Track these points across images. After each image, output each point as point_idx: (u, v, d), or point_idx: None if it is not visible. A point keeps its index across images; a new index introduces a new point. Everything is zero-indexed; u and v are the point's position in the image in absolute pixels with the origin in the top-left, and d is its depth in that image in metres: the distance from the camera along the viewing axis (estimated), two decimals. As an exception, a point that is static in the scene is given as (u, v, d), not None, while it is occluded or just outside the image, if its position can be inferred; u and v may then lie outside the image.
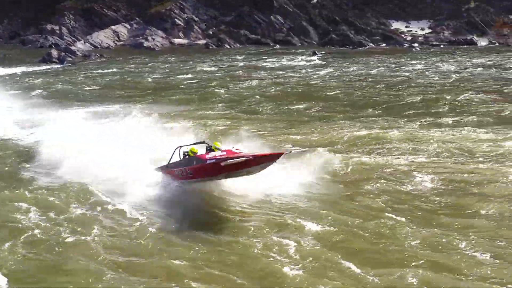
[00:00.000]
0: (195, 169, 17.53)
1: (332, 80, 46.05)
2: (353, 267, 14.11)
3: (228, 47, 78.04)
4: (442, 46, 77.05)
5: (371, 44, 78.14)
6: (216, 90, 42.04)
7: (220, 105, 36.11)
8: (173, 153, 18.94)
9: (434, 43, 78.72)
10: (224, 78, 48.15)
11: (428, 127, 28.40)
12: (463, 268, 13.93)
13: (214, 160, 16.95)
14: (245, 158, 16.25)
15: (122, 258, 14.85)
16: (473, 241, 15.20)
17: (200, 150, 18.51)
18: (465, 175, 20.17)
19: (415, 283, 13.33)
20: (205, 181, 18.07)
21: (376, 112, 32.68)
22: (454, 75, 47.17)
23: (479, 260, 14.29)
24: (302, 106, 35.03)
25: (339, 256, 14.63)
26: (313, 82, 45.40)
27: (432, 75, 47.49)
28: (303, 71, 52.67)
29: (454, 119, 30.48)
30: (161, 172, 19.56)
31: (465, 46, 75.76)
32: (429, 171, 20.61)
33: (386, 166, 21.16)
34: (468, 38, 78.60)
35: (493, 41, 78.46)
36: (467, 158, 22.51)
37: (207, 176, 17.54)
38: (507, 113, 31.37)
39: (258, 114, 33.01)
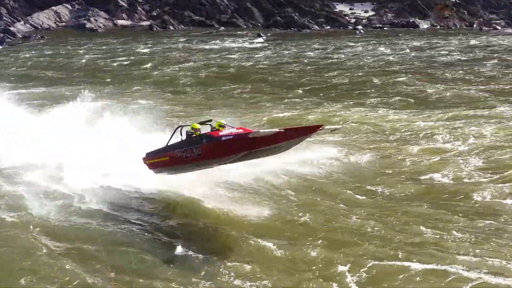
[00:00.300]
0: (206, 148, 15.27)
1: (268, 62, 46.30)
2: (255, 241, 14.45)
3: (172, 28, 77.30)
4: (385, 28, 77.93)
5: (316, 26, 78.45)
6: (150, 71, 42.05)
7: (149, 86, 36.13)
8: (173, 133, 16.87)
9: (378, 25, 79.53)
10: (161, 60, 47.88)
11: (349, 108, 29.02)
12: (353, 242, 14.35)
13: (232, 136, 14.68)
14: (277, 130, 13.82)
15: (51, 242, 14.55)
16: (362, 216, 15.67)
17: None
18: (367, 152, 20.78)
19: (314, 254, 13.72)
20: (212, 164, 16.00)
21: (303, 94, 33.16)
22: (389, 58, 47.98)
23: (369, 234, 14.68)
24: (231, 88, 35.28)
25: (244, 233, 14.93)
26: (249, 64, 45.60)
27: (368, 58, 48.14)
28: (242, 53, 52.73)
29: (377, 99, 31.23)
30: (151, 159, 17.39)
31: (407, 28, 76.77)
32: (332, 149, 21.09)
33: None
34: (411, 20, 79.67)
35: (435, 24, 79.72)
36: (376, 136, 23.27)
37: (220, 157, 15.20)
38: (428, 93, 32.33)
39: (184, 95, 33.26)
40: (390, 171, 18.82)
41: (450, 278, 12.41)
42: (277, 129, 13.84)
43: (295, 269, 13.16)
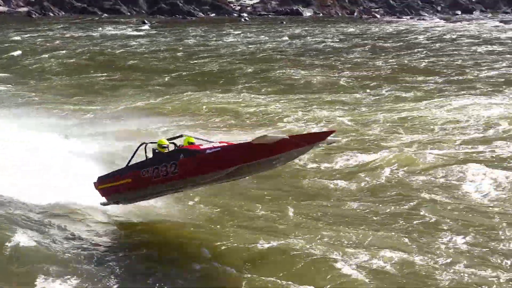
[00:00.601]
0: (185, 164, 12.82)
1: (143, 50, 45.82)
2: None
3: (53, 15, 74.86)
4: (270, 16, 79.05)
5: (201, 13, 78.43)
6: (17, 59, 40.60)
7: (12, 74, 34.77)
8: (135, 152, 14.19)
9: (262, 13, 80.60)
10: (32, 48, 45.95)
11: (213, 94, 29.24)
12: (197, 225, 14.46)
13: (219, 148, 12.52)
14: (283, 136, 11.48)
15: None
16: (200, 200, 15.88)
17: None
18: (216, 134, 21.05)
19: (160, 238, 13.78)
20: (188, 184, 13.53)
21: (170, 81, 33.24)
22: (266, 45, 48.73)
23: (210, 219, 14.81)
24: (99, 75, 34.75)
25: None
26: (123, 51, 44.94)
27: (245, 45, 48.69)
28: (120, 41, 51.79)
29: (243, 86, 31.77)
30: (105, 182, 14.58)
31: (291, 16, 78.23)
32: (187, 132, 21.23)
33: (145, 134, 21.45)
34: (294, 8, 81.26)
35: (317, 12, 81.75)
36: (232, 120, 23.86)
37: (203, 173, 12.81)
38: (294, 79, 33.31)
39: (47, 82, 32.53)
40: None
41: (293, 254, 12.68)
42: (283, 135, 11.53)
43: (140, 250, 13.13)
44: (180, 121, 23.64)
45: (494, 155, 18.64)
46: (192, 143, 13.30)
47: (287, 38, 54.01)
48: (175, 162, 12.94)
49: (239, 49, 45.79)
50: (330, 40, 52.01)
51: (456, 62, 38.16)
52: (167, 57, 41.40)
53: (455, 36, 53.88)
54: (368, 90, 29.99)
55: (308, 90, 30.41)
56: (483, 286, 11.24)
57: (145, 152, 13.83)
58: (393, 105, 26.39)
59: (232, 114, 24.83)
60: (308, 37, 54.28)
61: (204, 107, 26.15)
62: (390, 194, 16.09)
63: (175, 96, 28.57)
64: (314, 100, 27.63)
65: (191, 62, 39.32)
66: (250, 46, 47.92)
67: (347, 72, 35.52)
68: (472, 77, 33.11)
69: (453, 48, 45.60)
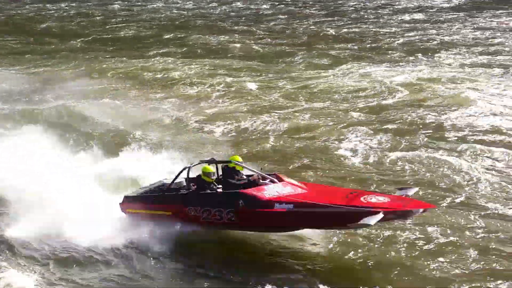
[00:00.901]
0: (246, 215, 11.08)
1: (60, 14, 44.77)
2: None
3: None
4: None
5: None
6: None
7: None
8: (177, 175, 12.31)
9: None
10: None
11: (122, 61, 29.24)
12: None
13: (292, 206, 10.59)
14: (381, 214, 9.89)
15: None
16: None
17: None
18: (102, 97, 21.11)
19: None
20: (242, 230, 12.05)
21: (82, 46, 32.87)
22: (189, 12, 47.57)
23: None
24: (8, 39, 33.88)
25: None
26: (38, 14, 43.85)
27: (169, 10, 47.62)
28: (40, 4, 50.11)
29: (156, 51, 31.62)
30: (136, 207, 12.58)
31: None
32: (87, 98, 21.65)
33: (38, 101, 21.19)
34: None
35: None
36: (131, 86, 23.69)
37: (266, 227, 11.41)
38: (210, 45, 33.00)
39: None
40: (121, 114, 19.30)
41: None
42: (380, 215, 9.88)
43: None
44: (77, 86, 23.34)
45: (380, 121, 18.97)
46: (238, 163, 11.77)
47: (215, 4, 53.19)
48: (232, 210, 11.21)
49: (162, 15, 44.97)
50: (256, 6, 51.50)
51: (374, 30, 38.27)
52: (85, 22, 40.49)
53: (381, 3, 54.09)
54: (281, 57, 29.94)
55: (222, 56, 30.30)
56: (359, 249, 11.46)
57: (188, 176, 12.21)
58: (301, 73, 26.48)
59: (137, 79, 24.86)
60: (235, 3, 53.56)
61: (110, 72, 25.98)
62: (273, 159, 16.35)
63: (82, 62, 28.29)
64: (225, 66, 27.62)
65: (108, 27, 38.54)
66: (174, 11, 47.09)
67: (265, 39, 35.33)
68: (386, 45, 33.31)
69: (374, 16, 45.53)
